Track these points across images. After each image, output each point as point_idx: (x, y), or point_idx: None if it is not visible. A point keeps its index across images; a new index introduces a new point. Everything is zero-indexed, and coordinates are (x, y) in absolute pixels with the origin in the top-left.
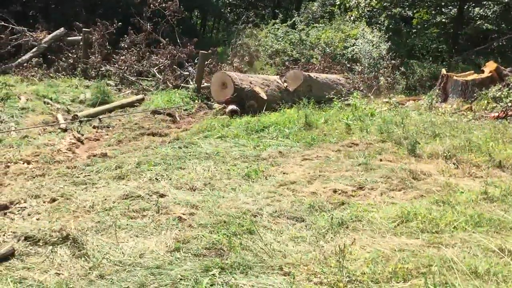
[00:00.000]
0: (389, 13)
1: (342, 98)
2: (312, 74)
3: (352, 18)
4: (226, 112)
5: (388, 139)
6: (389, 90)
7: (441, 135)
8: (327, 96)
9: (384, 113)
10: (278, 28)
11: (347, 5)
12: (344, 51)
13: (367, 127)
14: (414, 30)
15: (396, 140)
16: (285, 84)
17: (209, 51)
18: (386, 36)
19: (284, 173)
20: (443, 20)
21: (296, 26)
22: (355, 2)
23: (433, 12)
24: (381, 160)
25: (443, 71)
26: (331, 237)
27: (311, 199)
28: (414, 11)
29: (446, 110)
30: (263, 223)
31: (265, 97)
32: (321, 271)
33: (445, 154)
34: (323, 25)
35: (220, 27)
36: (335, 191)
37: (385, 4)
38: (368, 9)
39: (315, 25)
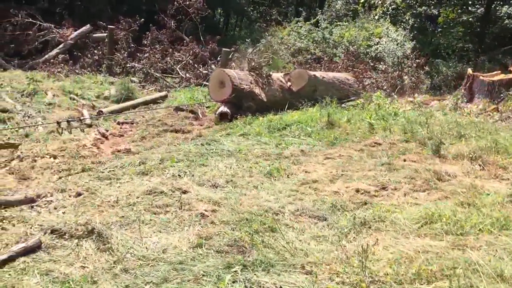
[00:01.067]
0: (414, 11)
1: (346, 100)
2: (318, 74)
3: (376, 16)
4: (215, 115)
5: (412, 139)
6: (413, 89)
7: (467, 136)
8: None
9: (408, 112)
10: (301, 26)
11: (371, 3)
12: (367, 50)
13: (391, 127)
14: (439, 29)
15: (420, 140)
16: (289, 84)
17: (232, 48)
18: (411, 35)
19: (306, 172)
20: (470, 19)
21: (319, 24)
22: (379, 1)
23: (459, 10)
24: (404, 160)
25: (469, 70)
26: (354, 237)
27: (333, 198)
28: (440, 10)
29: (472, 110)
30: (285, 222)
31: (265, 99)
32: (343, 270)
33: (470, 156)
34: (346, 23)
35: (243, 24)
36: (357, 191)
37: (410, 2)
38: (392, 7)
39: (338, 23)
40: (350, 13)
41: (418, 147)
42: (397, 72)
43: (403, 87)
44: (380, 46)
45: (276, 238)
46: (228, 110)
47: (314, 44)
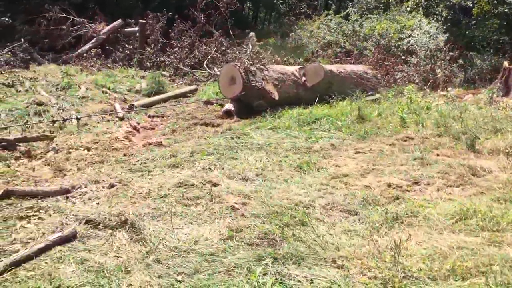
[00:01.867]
0: (448, 3)
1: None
2: (335, 68)
3: (408, 8)
4: (221, 112)
5: (445, 133)
6: (446, 83)
7: (503, 131)
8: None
9: (441, 106)
10: (330, 19)
11: None
12: (399, 43)
13: (423, 121)
14: (473, 21)
15: (454, 134)
16: (304, 79)
17: (261, 42)
18: (444, 27)
19: (336, 166)
20: (506, 10)
21: (349, 17)
22: None
23: (495, 2)
24: (438, 155)
25: (505, 63)
26: (385, 232)
27: (365, 193)
28: (474, 1)
29: (508, 104)
30: (316, 215)
31: (276, 97)
32: (375, 265)
33: (507, 150)
34: (377, 16)
35: (272, 18)
36: (389, 185)
37: None
38: None
39: (369, 16)
40: (381, 5)
41: (451, 141)
42: (430, 65)
43: (435, 80)
44: (412, 39)
45: (307, 232)
46: (233, 109)
47: (344, 37)
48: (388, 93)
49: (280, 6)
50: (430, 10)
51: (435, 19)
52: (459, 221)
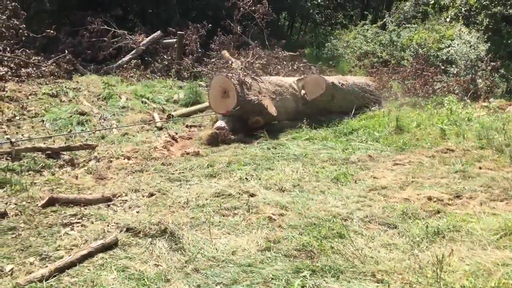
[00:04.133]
0: (489, 12)
1: (368, 109)
2: (337, 80)
3: (448, 18)
4: (212, 130)
5: (487, 146)
6: (487, 93)
7: None
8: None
9: (482, 118)
10: (367, 29)
11: (442, 4)
12: (438, 53)
13: (464, 133)
14: None
15: (497, 147)
16: (303, 92)
17: (297, 52)
18: (485, 37)
19: (374, 178)
20: None
21: (386, 27)
22: (450, 1)
23: None
24: (480, 168)
25: None
26: (426, 246)
27: (404, 206)
28: None
29: None
30: (354, 228)
31: (274, 113)
32: (416, 281)
33: None
34: (415, 25)
35: (308, 28)
36: (429, 199)
37: (484, 2)
38: (465, 8)
39: (407, 25)
40: (419, 14)
41: (494, 154)
42: (470, 75)
43: (476, 91)
44: (451, 49)
45: (345, 244)
46: (225, 126)
47: (381, 47)
48: (427, 104)
49: (316, 16)
50: (470, 19)
51: (475, 28)
52: (503, 237)
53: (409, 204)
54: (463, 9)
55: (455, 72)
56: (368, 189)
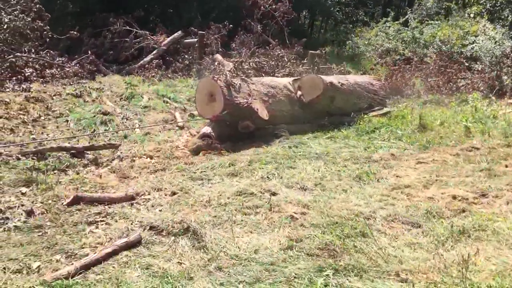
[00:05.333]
0: None
1: (373, 110)
2: (336, 80)
3: (471, 14)
4: (197, 138)
5: None
6: None
7: None
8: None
9: (508, 115)
10: (389, 26)
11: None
12: (462, 49)
13: (489, 130)
14: None
15: None
16: (299, 93)
17: (318, 51)
18: (511, 33)
19: (397, 176)
20: None
21: (408, 24)
22: None
23: None
24: (506, 166)
25: None
26: (451, 246)
27: (428, 205)
28: None
29: None
30: (377, 227)
31: (266, 117)
32: (441, 280)
33: None
34: (438, 22)
35: (328, 26)
36: (454, 197)
37: None
38: (490, 3)
39: (430, 22)
40: (442, 11)
41: None
42: (495, 72)
43: (502, 88)
44: (476, 45)
45: (368, 243)
46: (211, 132)
47: (403, 45)
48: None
49: (337, 14)
50: (495, 15)
51: (500, 24)
52: None
53: (433, 203)
54: (487, 5)
55: (479, 69)
56: (391, 187)
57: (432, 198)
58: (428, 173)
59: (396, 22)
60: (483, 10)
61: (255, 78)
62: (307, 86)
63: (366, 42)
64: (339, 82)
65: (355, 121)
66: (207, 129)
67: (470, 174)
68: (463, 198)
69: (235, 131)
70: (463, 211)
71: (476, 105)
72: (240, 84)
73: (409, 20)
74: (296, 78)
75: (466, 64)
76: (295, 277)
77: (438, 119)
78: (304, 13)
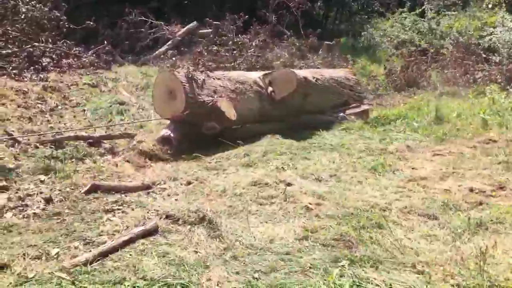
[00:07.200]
0: None
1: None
2: (310, 75)
3: (489, 4)
4: (156, 140)
5: None
6: None
7: None
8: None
9: None
10: (405, 17)
11: None
12: (479, 41)
13: (507, 123)
14: None
15: None
16: (270, 89)
17: (333, 42)
18: None
19: (413, 168)
20: None
21: (425, 15)
22: None
23: None
24: None
25: None
26: (468, 238)
27: (445, 197)
28: None
29: None
30: (392, 218)
31: (233, 117)
32: (458, 273)
33: None
34: (456, 12)
35: (343, 17)
36: (471, 190)
37: None
38: None
39: (447, 12)
40: (459, 1)
41: None
42: None
43: None
44: (494, 36)
45: (384, 235)
46: (171, 134)
47: (420, 36)
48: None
49: (352, 4)
50: None
51: None
52: None
53: (450, 195)
54: None
55: (497, 60)
56: (407, 179)
57: (448, 190)
58: (445, 165)
59: (412, 12)
60: (501, 1)
61: (220, 72)
62: (280, 81)
63: (381, 33)
64: (313, 77)
65: (333, 121)
66: (167, 131)
67: (487, 166)
68: (480, 191)
69: (198, 132)
70: (480, 203)
71: (494, 97)
72: (204, 79)
73: (426, 11)
74: (266, 72)
75: (484, 55)
76: (310, 267)
77: (455, 111)
78: (318, 3)
